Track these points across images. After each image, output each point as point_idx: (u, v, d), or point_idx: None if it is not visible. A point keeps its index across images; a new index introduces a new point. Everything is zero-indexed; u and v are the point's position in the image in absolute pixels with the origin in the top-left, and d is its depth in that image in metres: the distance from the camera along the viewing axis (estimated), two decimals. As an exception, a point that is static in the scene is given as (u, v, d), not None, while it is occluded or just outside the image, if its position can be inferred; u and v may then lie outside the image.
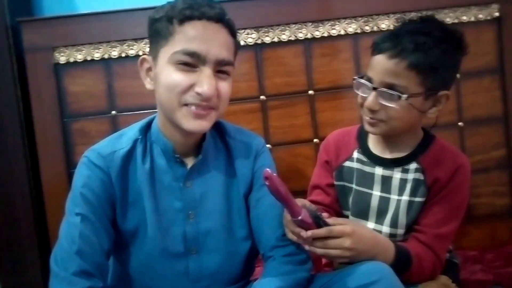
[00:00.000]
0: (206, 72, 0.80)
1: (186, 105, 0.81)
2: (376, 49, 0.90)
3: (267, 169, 0.75)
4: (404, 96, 0.87)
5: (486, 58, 1.45)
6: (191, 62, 0.80)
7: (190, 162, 0.90)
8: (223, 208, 0.91)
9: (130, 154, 0.88)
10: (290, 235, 0.84)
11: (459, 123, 1.45)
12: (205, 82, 0.80)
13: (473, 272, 1.26)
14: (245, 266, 0.93)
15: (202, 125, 0.83)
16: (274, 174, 0.75)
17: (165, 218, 0.88)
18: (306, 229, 0.80)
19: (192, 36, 0.79)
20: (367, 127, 0.95)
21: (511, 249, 1.38)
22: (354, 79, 0.94)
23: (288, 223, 0.83)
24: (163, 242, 0.87)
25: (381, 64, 0.88)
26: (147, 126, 0.92)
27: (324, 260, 1.16)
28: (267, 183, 0.75)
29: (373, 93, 0.90)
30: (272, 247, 0.89)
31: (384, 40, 0.90)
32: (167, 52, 0.81)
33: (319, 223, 0.81)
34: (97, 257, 0.81)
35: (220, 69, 0.83)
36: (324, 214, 0.84)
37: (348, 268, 0.85)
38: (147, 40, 1.38)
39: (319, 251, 0.82)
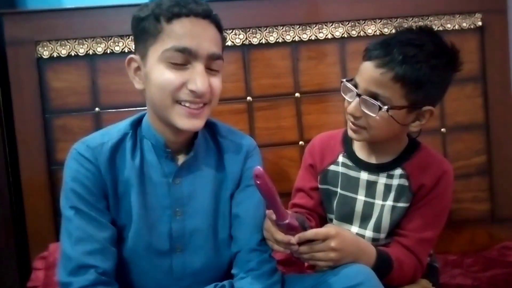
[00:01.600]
0: (198, 68, 0.80)
1: (179, 103, 0.81)
2: (367, 55, 0.90)
3: (258, 167, 0.75)
4: (385, 107, 0.86)
5: (469, 66, 1.48)
6: (183, 59, 0.79)
7: (180, 159, 0.90)
8: (210, 208, 0.90)
9: (118, 146, 0.87)
10: (276, 247, 0.85)
11: (442, 129, 1.48)
12: (198, 79, 0.80)
13: (453, 276, 1.28)
14: (228, 267, 0.93)
15: (195, 123, 0.83)
16: (265, 173, 0.75)
17: (152, 214, 0.87)
18: (292, 234, 0.81)
19: (181, 33, 0.79)
20: (350, 133, 0.95)
21: (490, 254, 1.41)
22: (341, 81, 0.94)
23: (274, 232, 0.83)
24: (148, 238, 0.86)
25: (368, 72, 0.88)
26: (138, 122, 0.91)
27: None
28: (257, 181, 0.74)
29: (357, 99, 0.89)
30: (252, 250, 0.89)
31: (375, 48, 0.89)
32: (156, 50, 0.80)
33: (304, 227, 0.82)
34: (97, 244, 0.81)
35: (211, 65, 0.83)
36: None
37: (331, 271, 0.85)
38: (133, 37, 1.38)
39: (306, 256, 0.83)
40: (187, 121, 0.82)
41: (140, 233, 0.86)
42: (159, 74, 0.80)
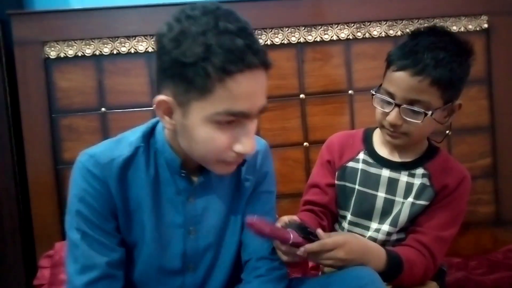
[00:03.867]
0: (248, 128, 0.72)
1: (222, 161, 0.75)
2: (396, 66, 0.91)
3: (248, 216, 0.75)
4: (429, 112, 0.89)
5: (474, 68, 1.42)
6: (234, 120, 0.71)
7: (194, 176, 0.84)
8: (222, 223, 0.87)
9: (130, 162, 0.80)
10: (285, 258, 0.85)
11: (447, 131, 1.47)
12: (246, 141, 0.72)
13: (457, 279, 1.27)
14: (234, 272, 0.91)
15: (231, 169, 0.79)
16: (255, 219, 0.74)
17: (165, 234, 0.83)
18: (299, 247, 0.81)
19: (235, 95, 0.68)
20: (389, 139, 0.97)
21: (494, 257, 1.40)
22: (373, 94, 0.96)
23: (281, 246, 0.83)
24: (160, 259, 0.83)
25: (404, 82, 0.90)
26: (150, 132, 0.84)
27: (310, 264, 1.17)
28: (251, 229, 0.75)
29: (396, 109, 0.91)
30: (262, 258, 0.87)
31: (402, 57, 0.91)
32: (204, 109, 0.69)
33: (309, 237, 0.82)
34: (103, 271, 0.77)
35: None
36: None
37: (335, 274, 0.85)
38: (139, 38, 1.39)
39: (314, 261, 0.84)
40: (224, 169, 0.78)
41: (152, 254, 0.82)
42: (206, 135, 0.71)
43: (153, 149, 0.82)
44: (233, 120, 0.70)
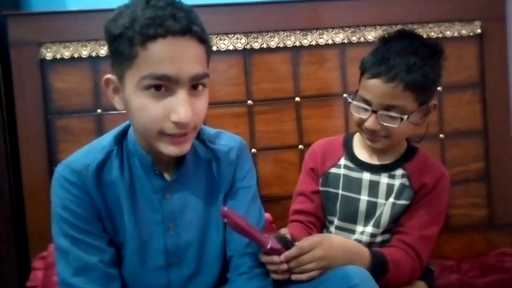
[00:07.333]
0: (180, 96, 0.72)
1: (163, 133, 0.75)
2: (369, 74, 0.93)
3: (223, 207, 0.78)
4: (405, 117, 0.92)
5: (468, 72, 1.49)
6: (163, 84, 0.72)
7: (170, 173, 0.86)
8: (202, 218, 0.88)
9: (104, 166, 0.82)
10: (276, 276, 0.85)
11: (440, 135, 1.49)
12: (181, 109, 0.72)
13: (450, 281, 1.28)
14: (222, 272, 0.92)
15: (183, 148, 0.78)
16: (231, 211, 0.77)
17: (145, 231, 0.84)
18: (278, 255, 0.82)
19: (158, 58, 0.70)
20: (369, 143, 0.99)
21: (487, 260, 1.42)
22: (349, 102, 0.98)
23: (262, 257, 0.85)
24: (143, 256, 0.85)
25: (378, 89, 0.92)
26: (122, 135, 0.86)
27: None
28: (225, 220, 0.77)
29: (373, 115, 0.94)
30: (244, 254, 0.88)
31: (375, 64, 0.93)
32: (133, 76, 0.72)
33: (288, 245, 0.83)
34: (97, 272, 0.78)
35: (195, 86, 0.75)
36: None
37: (326, 273, 0.85)
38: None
39: (296, 270, 0.84)
40: (174, 148, 0.77)
41: (136, 253, 0.84)
42: (139, 104, 0.73)
43: (126, 151, 0.84)
44: (160, 84, 0.71)
